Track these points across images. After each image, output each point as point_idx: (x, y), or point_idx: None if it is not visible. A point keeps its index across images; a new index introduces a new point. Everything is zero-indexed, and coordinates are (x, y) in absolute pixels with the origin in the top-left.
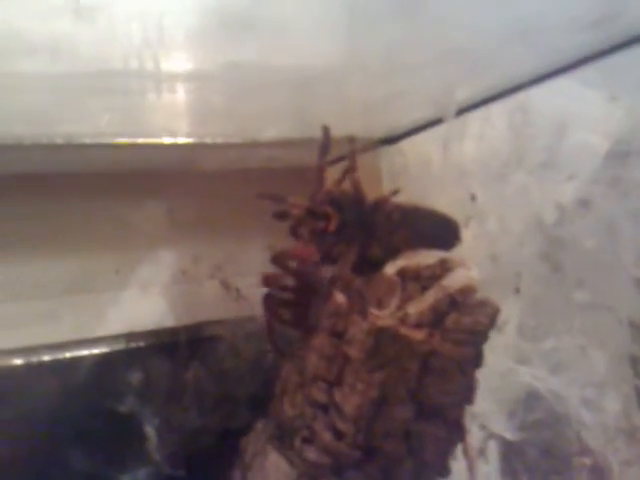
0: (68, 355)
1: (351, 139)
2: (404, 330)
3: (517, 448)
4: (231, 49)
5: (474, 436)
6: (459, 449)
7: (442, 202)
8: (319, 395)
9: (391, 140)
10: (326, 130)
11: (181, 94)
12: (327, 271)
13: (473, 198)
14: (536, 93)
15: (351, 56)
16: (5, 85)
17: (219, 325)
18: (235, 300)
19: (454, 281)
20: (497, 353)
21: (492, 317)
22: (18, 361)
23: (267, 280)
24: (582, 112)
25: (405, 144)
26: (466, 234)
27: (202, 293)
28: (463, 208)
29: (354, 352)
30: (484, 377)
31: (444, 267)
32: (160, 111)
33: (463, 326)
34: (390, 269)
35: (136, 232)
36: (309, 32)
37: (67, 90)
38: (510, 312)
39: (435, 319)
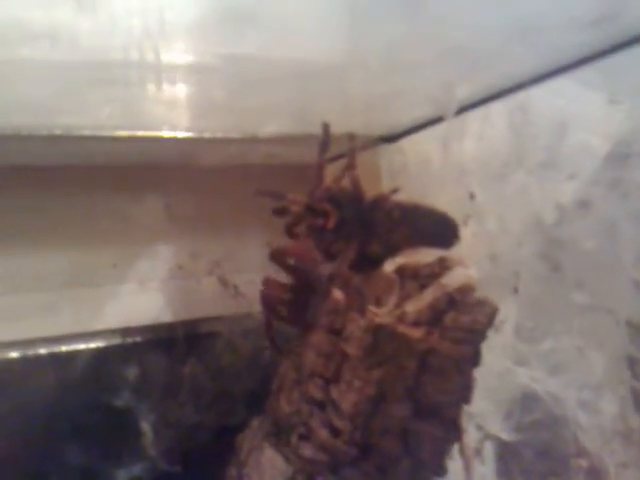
0: (65, 349)
1: (351, 136)
2: (402, 328)
3: (513, 449)
4: (232, 42)
5: (471, 436)
6: (455, 449)
7: (441, 201)
8: (316, 392)
9: (391, 138)
10: (326, 127)
11: (181, 87)
12: (326, 268)
13: (472, 197)
14: (536, 93)
15: (352, 53)
16: (4, 74)
17: (217, 321)
18: (233, 297)
19: (453, 280)
20: (495, 353)
21: (490, 316)
22: (15, 354)
23: (267, 284)
24: (582, 113)
25: (405, 142)
26: (465, 233)
27: (200, 289)
28: (462, 207)
29: (352, 349)
30: (481, 377)
31: (443, 266)
32: (160, 104)
33: (461, 325)
34: (389, 267)
35: (134, 226)
36: (310, 27)
37: (67, 80)
38: (508, 312)
39: (433, 317)
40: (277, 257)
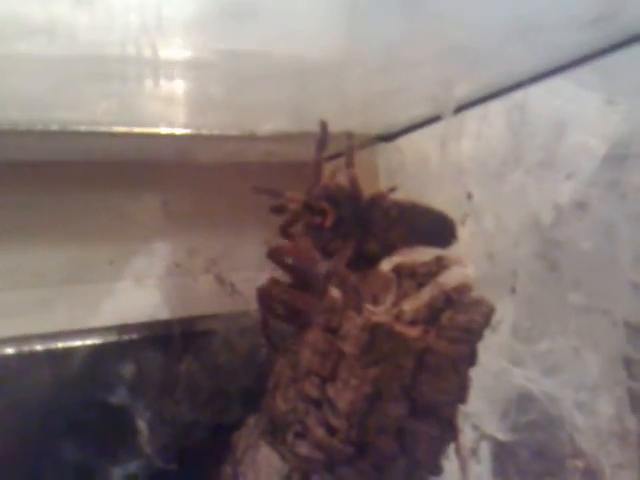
0: (60, 345)
1: (349, 135)
2: (399, 327)
3: (509, 449)
4: (230, 38)
5: (467, 436)
6: (451, 448)
7: (439, 200)
8: (312, 390)
9: (389, 137)
10: (324, 125)
11: (179, 83)
12: (323, 266)
13: (470, 196)
14: (534, 92)
15: (350, 51)
16: (1, 68)
17: (213, 319)
18: (230, 294)
19: (450, 279)
20: (491, 353)
21: (487, 316)
22: (10, 350)
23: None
24: (580, 113)
25: (403, 141)
26: (463, 232)
27: (196, 287)
28: (460, 206)
29: (348, 348)
30: (477, 377)
31: (440, 264)
32: (157, 100)
33: (458, 324)
34: (386, 265)
35: (131, 223)
36: (309, 25)
37: (63, 75)
38: (505, 312)
39: (430, 316)
40: (275, 255)
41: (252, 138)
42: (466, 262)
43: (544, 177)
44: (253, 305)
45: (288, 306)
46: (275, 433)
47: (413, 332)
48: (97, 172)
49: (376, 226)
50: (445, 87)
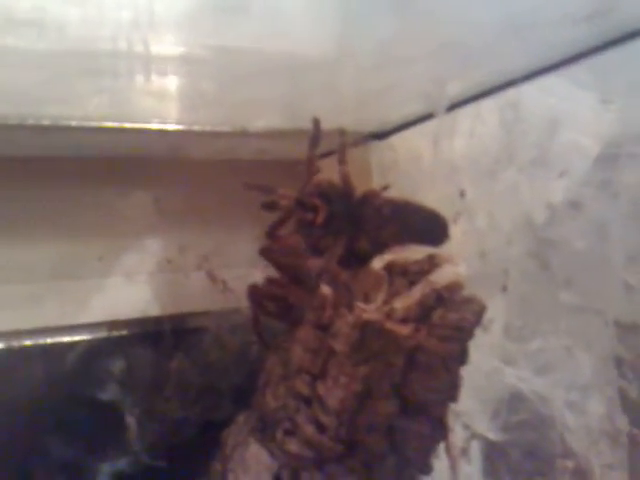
0: (50, 341)
1: (341, 132)
2: (390, 325)
3: (500, 449)
4: (223, 34)
5: (457, 435)
6: (442, 447)
7: (431, 198)
8: (302, 387)
9: (381, 135)
10: (316, 122)
11: (171, 78)
12: (314, 264)
13: (462, 194)
14: (527, 90)
15: (343, 48)
16: None
17: (204, 316)
18: (221, 291)
19: (441, 277)
20: (482, 352)
21: (478, 314)
22: None
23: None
24: (573, 112)
25: (395, 139)
26: (455, 230)
27: (188, 283)
28: (452, 204)
29: (339, 345)
30: (469, 376)
31: (432, 263)
32: (149, 95)
33: (449, 322)
34: (377, 263)
35: (122, 219)
36: (302, 21)
37: (54, 70)
38: (497, 311)
39: (421, 314)
40: (267, 253)
41: (244, 135)
42: (458, 260)
43: (537, 175)
44: (245, 302)
45: (280, 303)
46: (265, 430)
47: (404, 330)
48: (88, 167)
49: (368, 224)
50: (438, 85)
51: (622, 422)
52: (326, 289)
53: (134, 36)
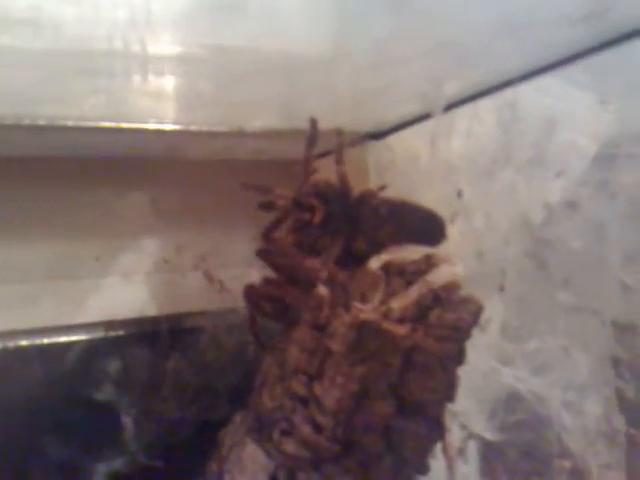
0: (46, 341)
1: (339, 132)
2: (387, 325)
3: (497, 449)
4: (220, 33)
5: (454, 435)
6: (439, 447)
7: (429, 198)
8: (299, 388)
9: (379, 135)
10: (313, 122)
11: (168, 78)
12: (311, 264)
13: (460, 194)
14: (525, 90)
15: (340, 47)
16: None
17: (201, 316)
18: (218, 291)
19: (438, 277)
20: (480, 352)
21: (475, 314)
22: None
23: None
24: (571, 112)
25: (393, 139)
26: (452, 230)
27: (185, 283)
28: (450, 204)
29: (336, 345)
30: (466, 376)
31: (429, 263)
32: (146, 95)
33: (446, 322)
34: (374, 263)
35: (119, 219)
36: (299, 20)
37: (50, 69)
38: (494, 311)
39: (418, 314)
40: (263, 253)
41: (241, 134)
42: (455, 260)
43: (534, 175)
44: (241, 302)
45: (276, 303)
46: (261, 430)
47: (401, 330)
48: (85, 168)
49: (365, 224)
50: (435, 84)
51: (619, 422)
52: (323, 289)
53: (131, 35)
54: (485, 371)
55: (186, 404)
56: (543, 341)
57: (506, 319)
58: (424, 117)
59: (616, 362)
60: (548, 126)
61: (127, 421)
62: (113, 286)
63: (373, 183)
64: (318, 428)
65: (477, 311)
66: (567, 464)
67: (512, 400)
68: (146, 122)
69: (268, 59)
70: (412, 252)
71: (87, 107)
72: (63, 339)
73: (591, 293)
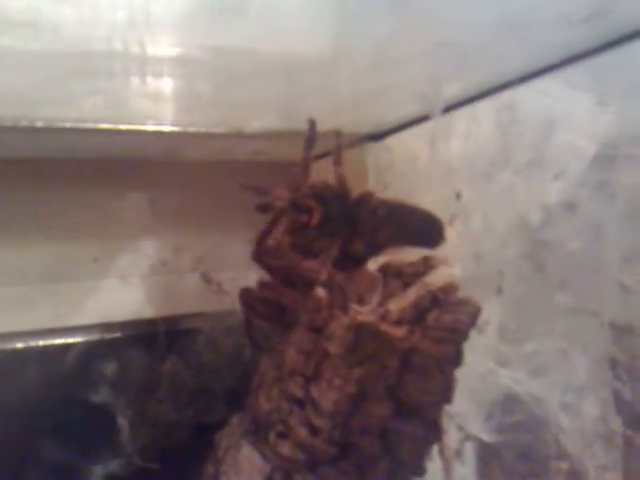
0: (42, 343)
1: (338, 133)
2: (385, 326)
3: (494, 450)
4: (219, 35)
5: (451, 437)
6: (435, 449)
7: (427, 200)
8: (296, 390)
9: (377, 136)
10: (312, 123)
11: (166, 80)
12: (309, 266)
13: (458, 196)
14: (523, 92)
15: (339, 48)
16: None
17: (198, 318)
18: (216, 293)
19: (436, 279)
20: (477, 354)
21: (473, 316)
22: None
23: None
24: (570, 114)
25: (392, 140)
26: (450, 232)
27: (182, 285)
28: (448, 206)
29: (333, 347)
30: (463, 377)
31: (427, 264)
32: (144, 97)
33: (444, 324)
34: (372, 265)
35: (116, 221)
36: (298, 22)
37: (48, 71)
38: (492, 313)
39: (416, 316)
40: (258, 257)
41: (240, 136)
42: (453, 262)
43: (533, 177)
44: (239, 304)
45: (272, 306)
46: (258, 433)
47: (398, 332)
48: (83, 169)
49: (363, 225)
50: (434, 85)
51: (616, 424)
52: (321, 291)
53: (130, 37)
54: (482, 373)
55: (182, 406)
56: (541, 343)
57: (504, 321)
58: (423, 119)
59: (614, 364)
60: (547, 127)
61: (123, 423)
62: (110, 288)
63: (372, 184)
64: (315, 430)
65: (475, 313)
66: (564, 465)
67: (509, 402)
68: (145, 123)
69: (267, 60)
70: (410, 254)
71: (85, 109)
72: (60, 341)
73: (589, 294)
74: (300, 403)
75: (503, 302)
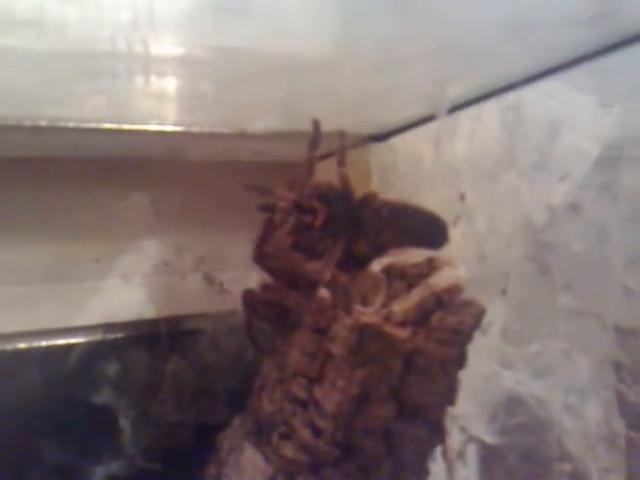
0: (44, 344)
1: (341, 134)
2: (388, 328)
3: (497, 452)
4: (223, 34)
5: (454, 439)
6: (438, 451)
7: (431, 200)
8: (299, 391)
9: (381, 137)
10: (316, 124)
11: (170, 79)
12: (313, 267)
13: (463, 197)
14: (529, 93)
15: (343, 48)
16: None
17: (201, 318)
18: (218, 294)
19: (441, 280)
20: (481, 355)
21: (477, 317)
22: None
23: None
24: (574, 115)
25: (396, 141)
26: (455, 233)
27: (184, 285)
28: (452, 207)
29: (337, 349)
30: (466, 379)
31: (431, 266)
32: (147, 96)
33: (448, 325)
34: (376, 266)
35: (119, 221)
36: (302, 21)
37: (52, 70)
38: (496, 314)
39: (420, 317)
40: (260, 258)
41: (243, 136)
42: (457, 263)
43: (538, 179)
44: (241, 305)
45: (275, 307)
46: (260, 434)
47: (402, 333)
48: (85, 169)
49: (367, 226)
50: (439, 86)
51: (619, 425)
52: (324, 292)
53: (133, 37)
54: (486, 374)
55: (185, 407)
56: (544, 344)
57: (507, 322)
58: (427, 119)
59: (618, 366)
60: (552, 129)
61: (125, 424)
62: (113, 288)
63: (375, 185)
64: (318, 432)
65: (479, 314)
66: (567, 467)
67: (512, 403)
68: (148, 123)
69: (270, 60)
70: (414, 255)
71: (89, 108)
72: (62, 342)
73: (593, 296)
74: (303, 404)
75: (507, 303)
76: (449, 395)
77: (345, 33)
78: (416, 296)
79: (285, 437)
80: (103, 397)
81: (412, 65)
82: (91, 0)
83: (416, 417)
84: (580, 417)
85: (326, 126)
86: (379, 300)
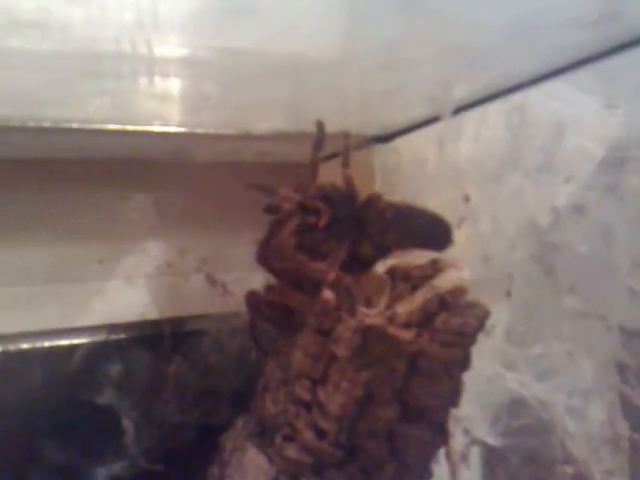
0: (47, 344)
1: (346, 135)
2: (392, 329)
3: (500, 454)
4: (227, 36)
5: (457, 441)
6: (442, 453)
7: (435, 202)
8: (303, 393)
9: (386, 138)
10: (320, 125)
11: (174, 80)
12: (317, 268)
13: (467, 199)
14: (534, 94)
15: (349, 49)
16: None
17: (204, 319)
18: (221, 295)
19: (445, 282)
20: (484, 357)
21: (481, 319)
22: None
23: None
24: (579, 116)
25: (400, 142)
26: (459, 235)
27: (187, 286)
28: (457, 208)
29: (341, 350)
30: (470, 381)
31: (435, 267)
32: (151, 97)
33: (451, 327)
34: (380, 268)
35: (122, 222)
36: (307, 22)
37: (56, 71)
38: (500, 316)
39: (424, 319)
40: (263, 259)
41: (247, 137)
42: (461, 265)
43: (542, 180)
44: (244, 306)
45: (279, 308)
46: (263, 435)
47: (406, 335)
48: (89, 170)
49: (371, 228)
50: (444, 87)
51: (623, 427)
52: (328, 293)
53: (137, 38)
54: (489, 376)
55: (188, 408)
56: (548, 346)
57: (511, 324)
58: (432, 120)
59: (622, 368)
60: (557, 130)
61: (128, 425)
62: (116, 289)
63: (379, 186)
64: (321, 433)
65: (483, 316)
66: (570, 470)
67: (516, 405)
68: (152, 124)
69: (275, 61)
70: (418, 256)
71: (93, 109)
72: (65, 342)
73: (598, 298)
74: (307, 406)
75: (511, 305)
76: (453, 397)
77: (350, 34)
78: (420, 298)
79: (288, 438)
80: (106, 398)
81: (417, 66)
82: (96, 1)
83: (420, 419)
84: (584, 419)
85: (330, 127)
86: (383, 302)
